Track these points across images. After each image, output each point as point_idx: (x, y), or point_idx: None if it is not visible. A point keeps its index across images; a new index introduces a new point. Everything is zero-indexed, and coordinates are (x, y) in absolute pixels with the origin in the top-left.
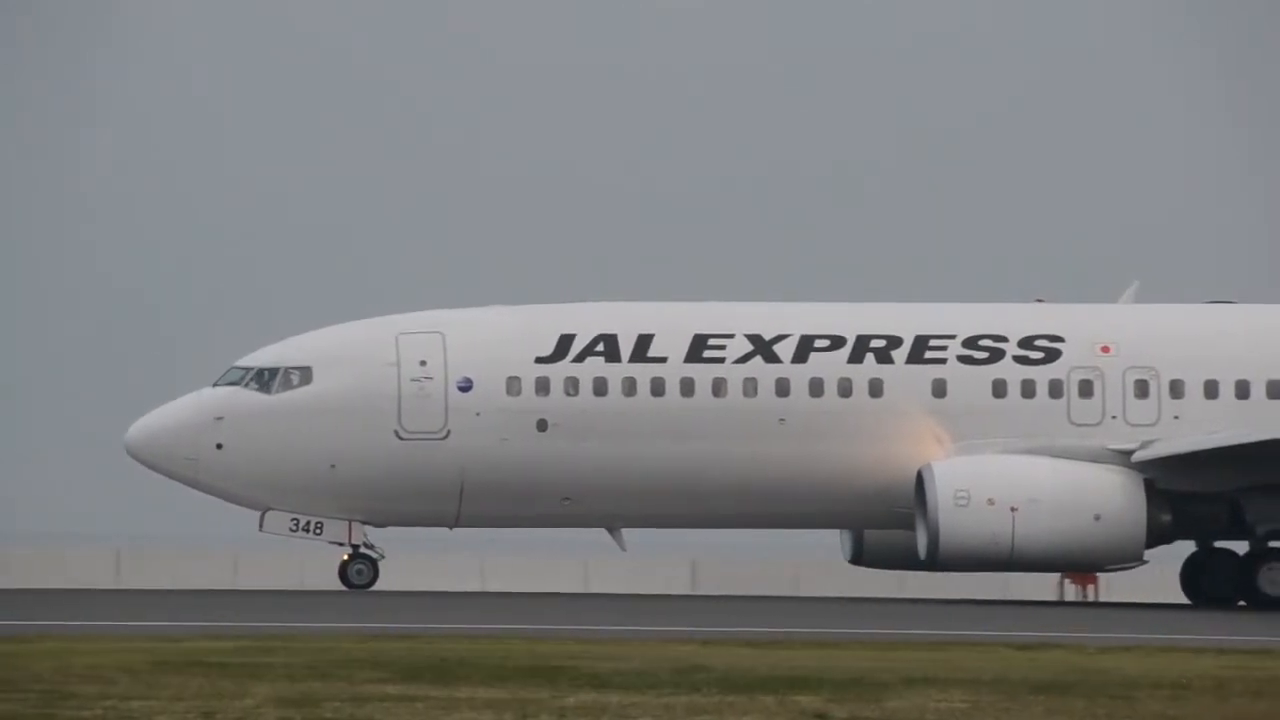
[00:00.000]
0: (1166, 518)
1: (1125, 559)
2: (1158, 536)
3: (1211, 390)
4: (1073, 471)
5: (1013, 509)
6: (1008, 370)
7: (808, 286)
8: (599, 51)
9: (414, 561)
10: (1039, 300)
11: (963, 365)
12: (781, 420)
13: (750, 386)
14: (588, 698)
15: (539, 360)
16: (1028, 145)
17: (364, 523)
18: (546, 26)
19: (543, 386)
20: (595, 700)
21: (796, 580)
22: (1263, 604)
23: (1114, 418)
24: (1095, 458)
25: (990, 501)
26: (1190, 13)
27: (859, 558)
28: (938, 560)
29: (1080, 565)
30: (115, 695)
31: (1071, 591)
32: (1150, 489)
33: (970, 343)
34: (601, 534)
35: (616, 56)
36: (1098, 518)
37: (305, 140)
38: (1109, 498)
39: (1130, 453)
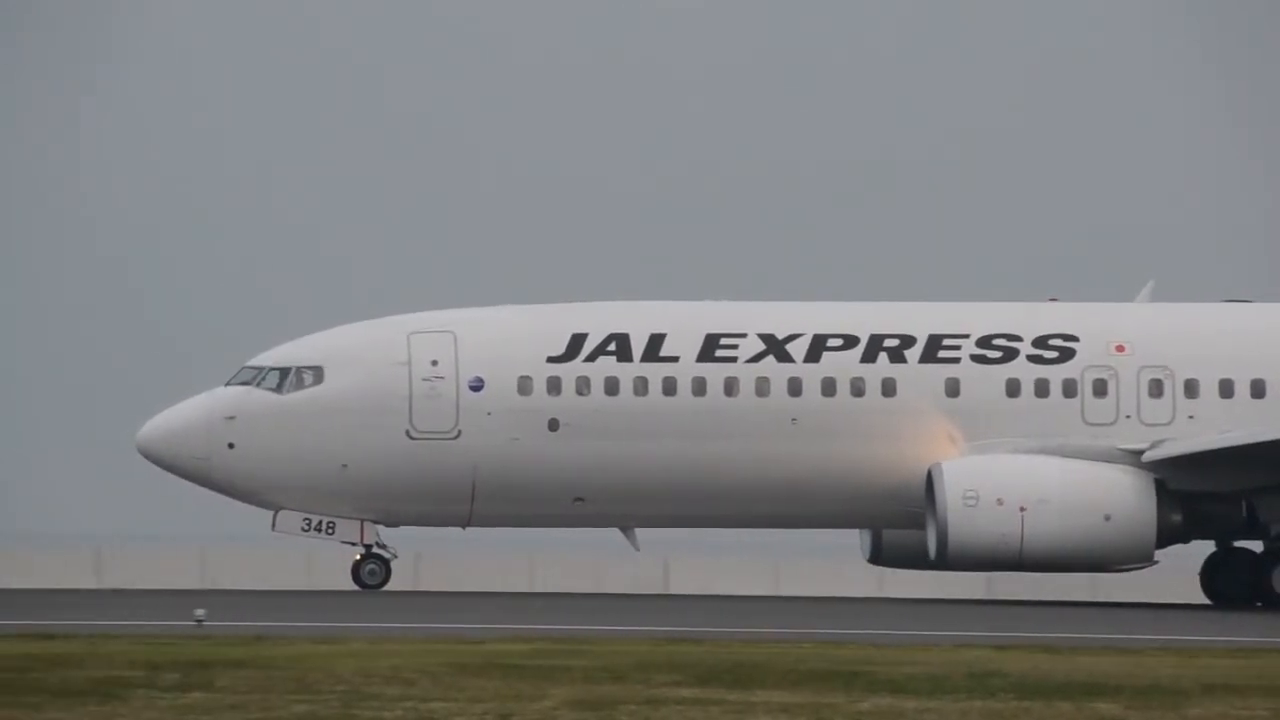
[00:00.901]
0: (1177, 518)
1: (1135, 559)
2: (1169, 537)
3: (1227, 389)
4: (1083, 471)
5: (1021, 509)
6: (1021, 369)
7: (820, 285)
8: (607, 49)
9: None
10: (1053, 299)
11: (976, 365)
12: (794, 420)
13: (763, 386)
14: (883, 702)
15: (550, 360)
16: (1044, 144)
17: (376, 522)
18: (559, 24)
19: (554, 386)
20: (891, 705)
21: (1093, 585)
22: (1277, 604)
23: (1128, 417)
24: (1107, 458)
25: (999, 501)
26: (1207, 11)
27: (878, 557)
28: (946, 560)
29: (1090, 566)
30: (415, 697)
31: None
32: (1161, 489)
33: (984, 342)
34: (790, 535)
35: (624, 54)
36: (1108, 518)
37: (316, 140)
38: (1119, 498)
39: (1141, 452)
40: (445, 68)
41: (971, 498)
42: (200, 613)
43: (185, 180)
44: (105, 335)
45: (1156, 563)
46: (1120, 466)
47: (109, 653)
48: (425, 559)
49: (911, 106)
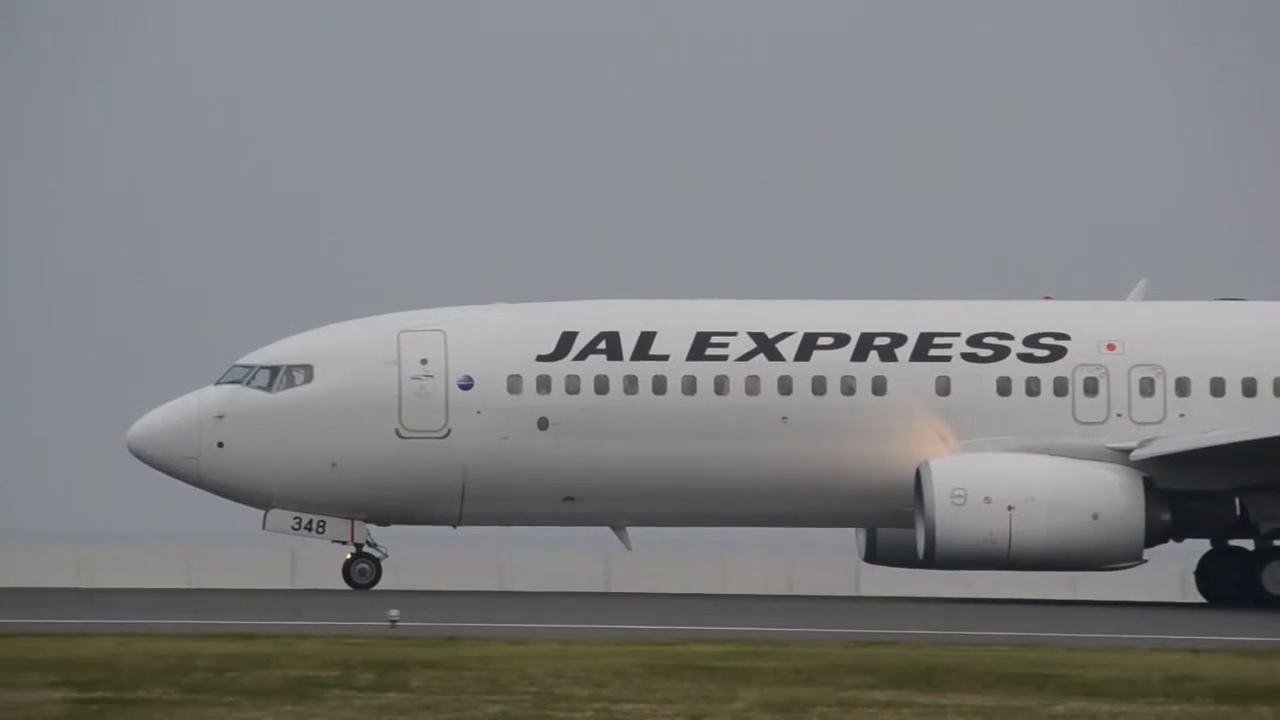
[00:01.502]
0: (1166, 516)
1: (1124, 558)
2: (1158, 536)
3: (1218, 388)
4: (1071, 470)
5: (1009, 507)
6: (1012, 368)
7: (812, 284)
8: (598, 49)
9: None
10: (1047, 297)
11: (967, 363)
12: (784, 418)
13: (753, 384)
14: (1077, 706)
15: (540, 358)
16: (1037, 141)
17: (367, 521)
18: (551, 24)
19: (544, 385)
20: (1085, 709)
21: None
22: (1268, 603)
23: (1119, 416)
24: (1097, 456)
25: (987, 500)
26: (1201, 8)
27: (873, 556)
28: (935, 559)
29: (1078, 564)
30: (606, 698)
31: None
32: (1150, 487)
33: (975, 340)
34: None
35: (616, 51)
36: (1096, 516)
37: (307, 137)
38: (1107, 497)
39: (1129, 451)
40: (437, 65)
41: (959, 496)
42: (394, 613)
43: (179, 180)
44: (96, 333)
45: (1145, 561)
46: (1109, 465)
47: (304, 652)
48: (616, 562)
49: (905, 104)
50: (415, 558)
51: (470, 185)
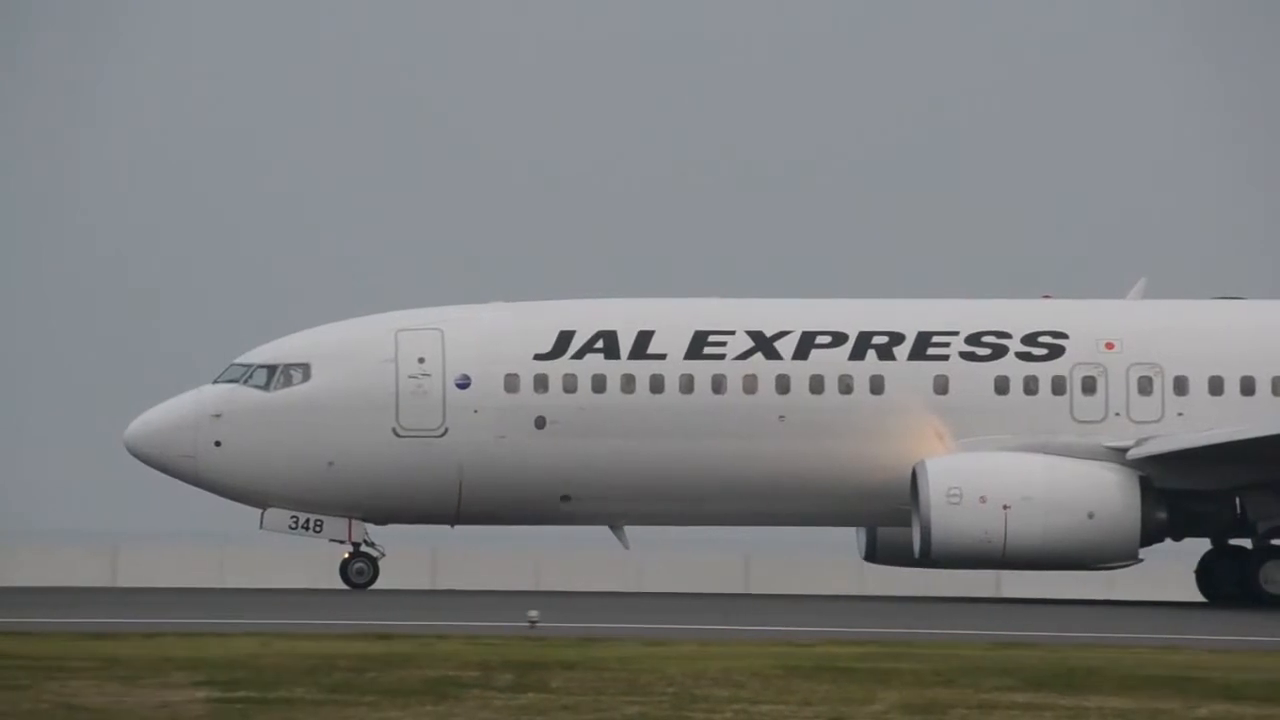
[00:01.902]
0: (1162, 515)
1: (1119, 557)
2: (1154, 535)
3: (1216, 387)
4: (1066, 469)
5: (1005, 506)
6: (1010, 367)
7: (810, 282)
8: (596, 46)
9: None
10: (1046, 296)
11: (965, 362)
12: (781, 417)
13: (750, 383)
14: (1219, 709)
15: (537, 357)
16: (1037, 140)
17: (364, 520)
18: (552, 22)
19: (541, 383)
20: (1228, 712)
21: None
22: (1264, 602)
23: (1117, 415)
24: (1095, 455)
25: (982, 499)
26: (1199, 6)
27: (873, 555)
28: (930, 558)
29: (1074, 563)
30: (745, 699)
31: None
32: (1147, 486)
33: (973, 339)
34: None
35: (615, 51)
36: (1091, 515)
37: (305, 136)
38: (1103, 495)
39: (1126, 450)
40: (435, 64)
41: (955, 495)
42: (534, 614)
43: (180, 179)
44: (94, 332)
45: (1142, 560)
46: (1105, 464)
47: (443, 653)
48: (754, 561)
49: (904, 102)
50: (557, 558)
51: (469, 184)
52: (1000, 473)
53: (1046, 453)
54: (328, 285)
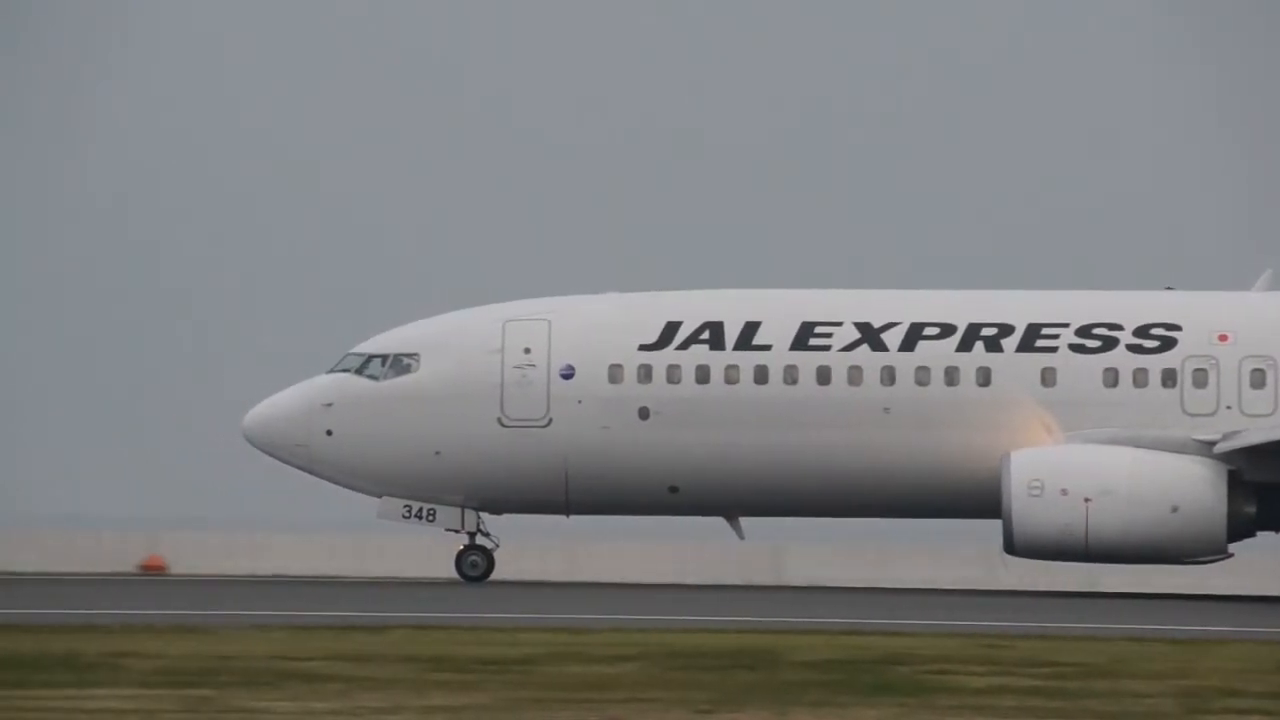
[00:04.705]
0: (1251, 509)
1: (1205, 551)
2: (1241, 528)
3: None
4: (1152, 462)
5: (1086, 499)
6: (1120, 359)
7: (939, 274)
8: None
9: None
10: (1169, 288)
11: (1074, 354)
12: (886, 409)
13: (855, 375)
14: None
15: (642, 348)
16: (1169, 132)
17: (478, 509)
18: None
19: (645, 374)
20: None
21: None
22: None
23: (1229, 408)
24: (1185, 448)
25: (1064, 492)
26: None
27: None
28: (1014, 550)
29: (1158, 557)
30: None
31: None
32: (1235, 480)
33: (1084, 331)
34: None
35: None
36: (1175, 509)
37: (428, 141)
38: (1188, 489)
39: (1214, 443)
40: (511, 54)
41: (1036, 488)
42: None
43: (309, 176)
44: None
45: (1230, 555)
46: (1192, 457)
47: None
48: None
49: (1057, 95)
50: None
51: (580, 177)
52: (1083, 465)
53: (1155, 447)
54: (461, 275)
